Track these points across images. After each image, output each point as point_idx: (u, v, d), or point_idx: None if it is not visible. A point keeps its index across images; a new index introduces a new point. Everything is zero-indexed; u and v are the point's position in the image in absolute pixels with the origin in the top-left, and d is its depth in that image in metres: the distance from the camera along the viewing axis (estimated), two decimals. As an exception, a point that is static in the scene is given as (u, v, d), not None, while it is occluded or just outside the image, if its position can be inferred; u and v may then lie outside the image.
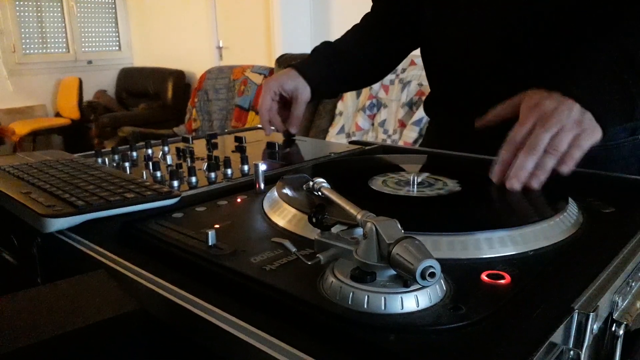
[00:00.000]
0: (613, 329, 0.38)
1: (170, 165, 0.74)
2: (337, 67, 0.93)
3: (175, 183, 0.63)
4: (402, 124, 2.53)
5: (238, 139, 0.88)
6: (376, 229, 0.34)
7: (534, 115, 0.56)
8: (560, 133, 0.55)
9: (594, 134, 0.56)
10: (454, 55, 0.83)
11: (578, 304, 0.34)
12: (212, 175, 0.67)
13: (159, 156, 0.80)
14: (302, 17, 3.76)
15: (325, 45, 0.95)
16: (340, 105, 2.84)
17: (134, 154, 0.81)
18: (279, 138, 0.94)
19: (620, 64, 0.59)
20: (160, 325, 0.38)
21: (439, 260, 0.32)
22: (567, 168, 0.55)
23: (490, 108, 0.65)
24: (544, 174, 0.54)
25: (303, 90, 0.89)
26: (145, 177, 0.66)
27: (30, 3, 4.64)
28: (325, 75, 0.92)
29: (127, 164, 0.72)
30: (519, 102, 0.60)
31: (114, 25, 5.18)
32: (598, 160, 0.73)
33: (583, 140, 0.55)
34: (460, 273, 0.37)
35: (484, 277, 0.37)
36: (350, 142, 0.93)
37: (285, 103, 0.91)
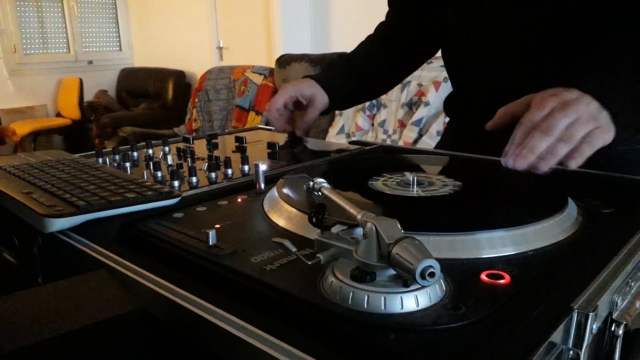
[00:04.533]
0: (612, 328, 0.38)
1: (170, 165, 0.74)
2: (353, 78, 0.95)
3: (176, 183, 0.63)
4: (402, 124, 2.54)
5: (238, 139, 0.88)
6: (376, 229, 0.34)
7: (552, 100, 0.55)
8: (576, 122, 0.53)
9: (607, 133, 0.55)
10: (476, 55, 0.83)
11: (577, 304, 0.34)
12: (213, 175, 0.67)
13: (160, 156, 0.80)
14: (302, 18, 3.76)
15: (340, 58, 0.98)
16: (340, 106, 2.84)
17: (135, 154, 0.81)
18: (279, 138, 0.94)
19: (636, 68, 0.59)
20: (160, 325, 0.38)
21: (438, 260, 0.32)
22: (575, 163, 0.54)
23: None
24: (553, 159, 0.53)
25: (321, 98, 0.91)
26: (145, 177, 0.66)
27: (30, 3, 4.65)
28: (341, 87, 0.94)
29: (127, 164, 0.72)
30: (530, 100, 0.59)
31: (114, 25, 5.18)
32: (626, 163, 0.74)
33: (595, 137, 0.54)
34: (459, 273, 0.38)
35: (483, 277, 0.37)
36: (350, 142, 0.93)
37: (297, 107, 0.93)
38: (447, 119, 1.04)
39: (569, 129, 0.53)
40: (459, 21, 0.84)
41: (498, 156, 0.58)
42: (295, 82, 0.93)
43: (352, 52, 0.99)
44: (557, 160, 0.53)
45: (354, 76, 0.96)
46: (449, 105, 0.96)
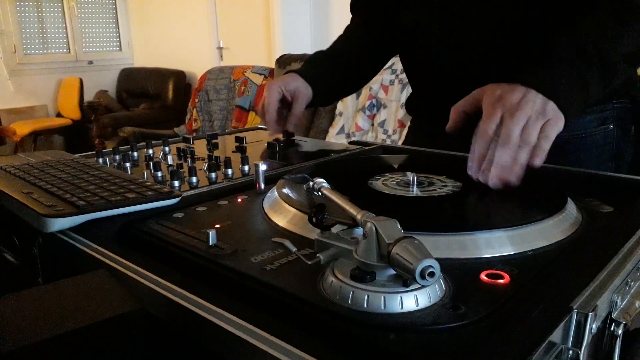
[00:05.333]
0: (612, 328, 0.38)
1: (171, 166, 0.74)
2: (331, 71, 0.97)
3: (176, 183, 0.63)
4: (402, 124, 2.54)
5: (238, 139, 0.88)
6: (376, 229, 0.34)
7: (500, 107, 0.57)
8: (528, 125, 0.56)
9: (557, 123, 0.58)
10: (432, 56, 0.85)
11: (577, 304, 0.34)
12: (213, 175, 0.67)
13: (160, 156, 0.80)
14: (302, 18, 3.76)
15: (319, 53, 1.00)
16: (340, 106, 2.85)
17: (135, 154, 0.81)
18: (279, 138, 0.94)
19: (575, 55, 0.62)
20: (160, 325, 0.38)
21: (438, 260, 0.32)
22: (539, 161, 0.56)
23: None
24: (520, 168, 0.55)
25: (305, 91, 0.91)
26: (146, 177, 0.66)
27: (31, 3, 4.65)
28: (323, 78, 0.95)
29: (128, 164, 0.72)
30: (478, 97, 0.62)
31: (114, 25, 5.18)
32: (572, 149, 0.80)
33: (549, 130, 0.57)
34: (459, 273, 0.38)
35: (483, 276, 0.37)
36: (350, 142, 0.93)
37: (283, 105, 0.92)
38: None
39: (523, 133, 0.56)
40: (413, 23, 0.87)
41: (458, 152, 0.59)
42: (279, 78, 0.94)
43: (329, 48, 1.01)
44: (524, 167, 0.56)
45: (333, 71, 0.98)
46: (411, 105, 0.99)
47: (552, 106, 0.57)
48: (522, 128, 0.56)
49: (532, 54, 0.64)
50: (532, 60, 0.63)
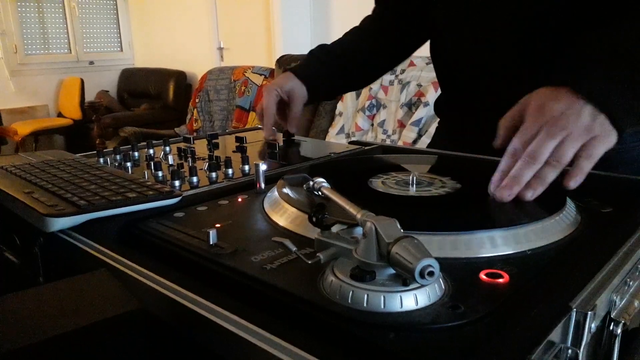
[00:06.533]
0: (611, 327, 0.38)
1: (171, 165, 0.74)
2: (332, 67, 0.95)
3: (177, 183, 0.63)
4: (402, 124, 2.53)
5: (239, 139, 0.88)
6: (376, 229, 0.34)
7: (540, 119, 0.51)
8: (565, 141, 0.49)
9: (607, 140, 0.50)
10: (465, 56, 0.83)
11: (576, 303, 0.34)
12: (213, 175, 0.67)
13: (161, 156, 0.80)
14: (302, 18, 3.76)
15: (320, 47, 0.97)
16: (340, 106, 2.85)
17: (136, 154, 0.81)
18: (279, 138, 0.94)
19: (627, 60, 0.56)
20: (161, 325, 0.38)
21: (437, 259, 0.32)
22: (574, 183, 0.50)
23: (500, 108, 0.60)
24: (541, 187, 0.50)
25: (300, 91, 0.91)
26: (146, 177, 0.66)
27: (32, 4, 4.65)
28: (319, 76, 0.93)
29: (128, 164, 0.72)
30: (524, 107, 0.56)
31: (115, 26, 5.19)
32: (610, 161, 0.73)
33: (594, 149, 0.50)
34: (459, 272, 0.38)
35: (482, 276, 0.37)
36: (350, 142, 0.93)
37: (283, 105, 0.92)
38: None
39: (557, 150, 0.49)
40: (444, 24, 0.85)
41: (488, 155, 0.57)
42: (276, 79, 0.93)
43: (335, 42, 0.98)
44: (546, 186, 0.50)
45: (334, 66, 0.95)
46: (440, 106, 0.97)
47: (601, 120, 0.50)
48: (558, 144, 0.49)
49: (578, 54, 0.57)
50: (578, 61, 0.56)
